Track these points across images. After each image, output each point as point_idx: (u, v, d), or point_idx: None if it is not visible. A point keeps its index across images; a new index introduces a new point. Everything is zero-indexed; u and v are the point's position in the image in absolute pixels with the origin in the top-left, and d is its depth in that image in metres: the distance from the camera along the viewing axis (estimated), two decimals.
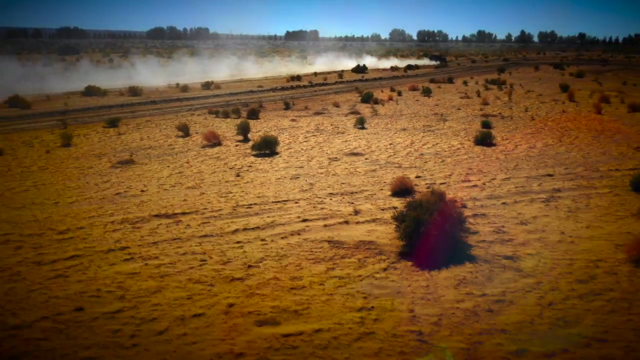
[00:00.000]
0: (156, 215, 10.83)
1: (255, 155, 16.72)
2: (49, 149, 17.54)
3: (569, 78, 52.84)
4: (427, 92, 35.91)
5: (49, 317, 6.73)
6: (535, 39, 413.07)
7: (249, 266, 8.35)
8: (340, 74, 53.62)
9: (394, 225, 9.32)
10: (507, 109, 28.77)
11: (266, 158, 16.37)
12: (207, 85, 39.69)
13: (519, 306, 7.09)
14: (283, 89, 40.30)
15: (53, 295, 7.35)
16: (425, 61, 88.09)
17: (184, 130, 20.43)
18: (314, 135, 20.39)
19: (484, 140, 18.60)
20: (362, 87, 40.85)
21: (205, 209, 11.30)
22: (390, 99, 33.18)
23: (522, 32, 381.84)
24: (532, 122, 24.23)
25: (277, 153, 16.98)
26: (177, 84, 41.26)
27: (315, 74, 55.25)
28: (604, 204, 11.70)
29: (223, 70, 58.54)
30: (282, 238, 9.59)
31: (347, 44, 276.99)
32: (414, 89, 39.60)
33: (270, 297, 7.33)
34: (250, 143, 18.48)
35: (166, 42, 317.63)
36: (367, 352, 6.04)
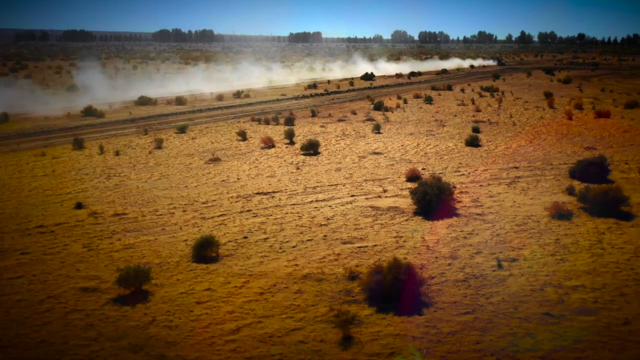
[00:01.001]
0: (257, 193, 16.94)
1: (303, 154, 22.80)
2: (150, 150, 23.64)
3: (556, 84, 58.91)
4: (429, 100, 41.95)
5: (234, 241, 12.82)
6: (535, 38, 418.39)
7: (327, 219, 14.46)
8: (352, 81, 59.58)
9: (410, 197, 15.43)
10: (496, 115, 34.84)
11: (312, 156, 22.45)
12: (238, 94, 45.73)
13: (480, 236, 13.19)
14: (304, 97, 46.34)
15: (226, 231, 13.45)
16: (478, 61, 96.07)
17: (242, 136, 26.52)
18: (342, 139, 26.50)
19: (473, 142, 24.68)
20: (373, 95, 46.96)
21: (285, 189, 17.40)
22: (398, 106, 39.25)
23: (522, 32, 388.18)
24: (513, 127, 30.30)
25: (319, 153, 23.06)
26: (211, 93, 47.36)
27: (329, 81, 61.19)
28: (546, 185, 17.80)
29: (256, 77, 64.18)
30: (341, 205, 15.70)
31: (350, 45, 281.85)
32: (417, 96, 45.63)
33: (345, 232, 13.43)
34: (297, 145, 24.58)
35: (172, 45, 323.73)
36: (401, 254, 12.12)
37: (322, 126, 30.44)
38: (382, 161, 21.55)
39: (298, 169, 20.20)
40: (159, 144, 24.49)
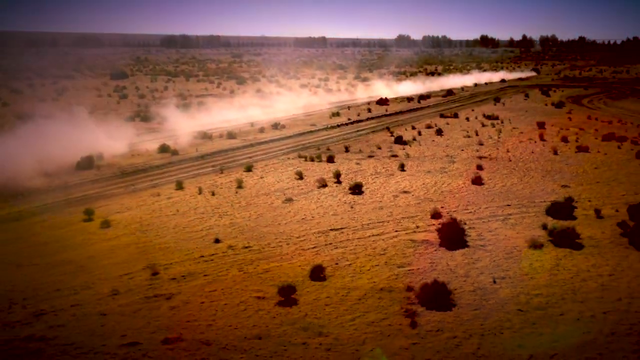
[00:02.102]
0: (331, 229, 24.81)
1: (351, 194, 30.69)
2: (236, 190, 31.55)
3: (550, 109, 66.81)
4: (439, 133, 49.80)
5: (330, 266, 20.71)
6: (536, 38, 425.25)
7: (384, 249, 22.31)
8: (369, 108, 67.46)
9: (437, 233, 23.32)
10: (495, 150, 42.70)
11: (359, 195, 30.35)
12: (275, 126, 53.64)
13: (483, 262, 21.04)
14: (332, 127, 54.26)
15: (322, 259, 21.34)
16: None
17: (299, 175, 34.43)
18: (377, 177, 34.42)
19: (476, 181, 32.55)
20: (390, 124, 54.87)
21: (348, 226, 25.27)
22: (414, 138, 47.12)
23: (524, 36, 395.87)
24: (509, 163, 38.18)
25: (363, 192, 30.97)
26: (251, 124, 55.31)
27: (349, 107, 69.09)
28: (529, 222, 25.66)
29: (283, 102, 71.69)
30: (390, 239, 23.57)
31: (356, 51, 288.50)
32: (429, 126, 53.47)
33: (398, 259, 21.28)
34: (344, 184, 32.45)
35: (182, 52, 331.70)
36: (435, 274, 19.96)
37: (357, 163, 38.35)
38: (411, 200, 29.45)
39: (352, 207, 28.10)
40: (239, 184, 32.38)
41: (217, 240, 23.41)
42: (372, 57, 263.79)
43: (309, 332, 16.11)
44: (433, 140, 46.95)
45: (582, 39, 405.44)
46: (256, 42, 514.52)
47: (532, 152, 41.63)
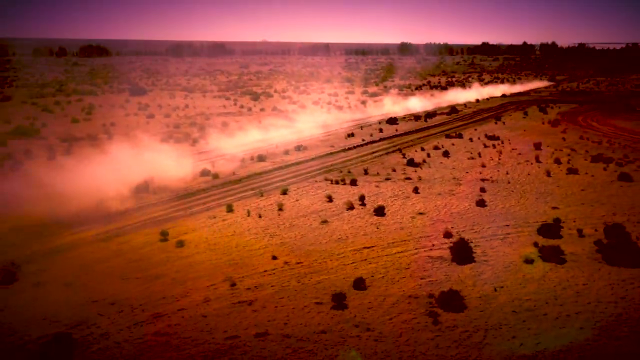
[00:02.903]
0: (364, 247, 30.80)
1: (375, 215, 36.65)
2: (279, 213, 37.53)
3: (546, 128, 72.77)
4: (446, 154, 55.80)
5: (368, 277, 26.71)
6: (536, 41, 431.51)
7: (408, 264, 28.31)
8: (380, 128, 73.53)
9: (449, 250, 29.30)
10: (496, 171, 48.67)
11: (382, 217, 36.32)
12: (299, 148, 59.66)
13: (487, 274, 27.03)
14: (349, 148, 60.25)
15: (362, 272, 27.34)
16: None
17: (329, 198, 40.44)
18: (395, 199, 40.40)
19: (480, 203, 38.51)
20: (401, 145, 60.91)
21: (377, 244, 31.23)
22: (424, 160, 53.13)
23: (525, 43, 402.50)
24: (508, 185, 44.14)
25: (385, 214, 36.94)
26: (276, 146, 61.37)
27: (362, 127, 75.22)
28: (523, 240, 31.61)
29: (302, 122, 77.72)
30: (412, 255, 29.57)
31: (359, 61, 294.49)
32: (436, 147, 59.50)
33: (419, 273, 27.26)
34: (368, 206, 38.40)
35: (189, 62, 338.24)
36: (450, 285, 25.94)
37: (376, 186, 44.34)
38: (426, 221, 35.44)
39: (378, 228, 34.09)
40: (280, 207, 38.39)
41: (274, 257, 29.41)
42: (375, 66, 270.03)
43: (360, 328, 22.09)
44: (441, 162, 52.94)
45: (581, 45, 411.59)
46: (259, 50, 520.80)
47: (529, 174, 47.59)
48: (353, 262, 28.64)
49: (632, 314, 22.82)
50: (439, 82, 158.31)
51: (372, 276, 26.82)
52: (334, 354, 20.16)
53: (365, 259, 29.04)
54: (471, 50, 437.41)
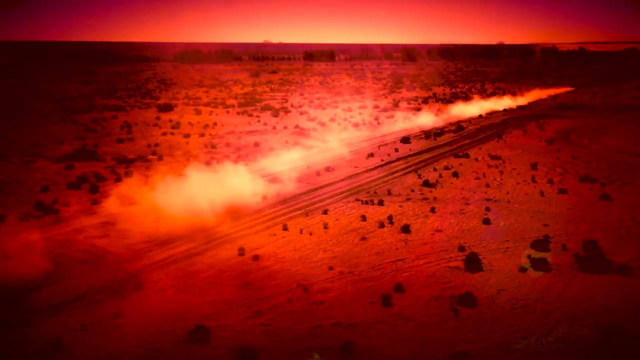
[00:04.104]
0: (398, 260, 40.32)
1: (402, 232, 46.09)
2: (325, 230, 46.94)
3: (543, 146, 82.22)
4: (455, 175, 65.25)
5: None
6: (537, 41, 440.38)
7: (433, 272, 37.83)
8: (396, 148, 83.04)
9: (462, 262, 38.80)
10: (498, 191, 58.12)
11: (408, 234, 45.75)
12: (327, 169, 69.11)
13: (492, 280, 36.56)
14: (370, 169, 69.70)
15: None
16: None
17: (363, 217, 49.86)
18: (417, 218, 49.85)
19: (486, 222, 47.96)
20: (416, 165, 70.40)
21: (411, 255, 40.72)
22: (437, 181, 62.61)
23: (526, 48, 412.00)
24: (508, 204, 53.58)
25: (410, 231, 46.38)
26: (307, 167, 70.79)
27: (379, 146, 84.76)
28: (519, 253, 41.09)
29: (329, 140, 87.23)
30: (436, 266, 39.07)
31: (363, 69, 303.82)
32: (446, 167, 68.98)
33: (445, 279, 36.78)
34: (395, 224, 47.86)
35: (197, 69, 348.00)
36: (466, 288, 35.44)
37: (400, 206, 53.80)
38: (443, 237, 44.89)
39: (406, 243, 43.55)
40: (325, 226, 47.85)
41: (330, 268, 38.92)
42: (381, 73, 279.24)
43: (404, 319, 31.57)
44: (451, 183, 62.38)
45: (582, 49, 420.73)
46: (263, 52, 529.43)
47: (526, 194, 57.02)
48: (391, 272, 38.11)
49: (597, 309, 32.22)
50: (444, 94, 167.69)
51: (407, 282, 36.29)
52: (387, 337, 29.67)
53: (400, 269, 38.52)
54: (473, 54, 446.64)
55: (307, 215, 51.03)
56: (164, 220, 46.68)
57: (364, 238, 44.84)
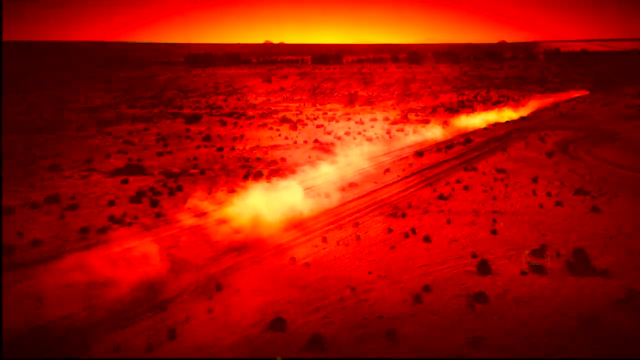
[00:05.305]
0: (423, 265, 49.76)
1: (424, 241, 55.45)
2: (358, 242, 56.41)
3: (543, 159, 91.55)
4: (466, 188, 74.58)
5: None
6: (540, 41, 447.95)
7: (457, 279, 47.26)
8: (410, 162, 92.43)
9: (475, 267, 48.21)
10: (503, 204, 67.45)
11: (429, 243, 55.12)
12: (352, 185, 78.51)
13: (498, 280, 45.98)
14: (389, 184, 79.13)
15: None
16: None
17: (389, 229, 59.27)
18: (435, 229, 59.22)
19: (494, 232, 57.32)
20: (430, 179, 79.81)
21: (433, 261, 50.15)
22: (450, 194, 71.98)
23: (528, 52, 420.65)
24: (512, 216, 62.92)
25: (431, 241, 55.76)
26: (333, 183, 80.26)
27: (394, 161, 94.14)
28: (521, 259, 50.50)
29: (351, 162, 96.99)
30: (453, 270, 48.50)
31: (366, 75, 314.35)
32: (458, 181, 78.33)
33: (461, 283, 46.20)
34: (417, 235, 57.24)
35: (206, 71, 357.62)
36: (480, 289, 44.83)
37: (419, 219, 63.13)
38: (459, 246, 54.23)
39: (428, 251, 52.93)
40: (358, 237, 57.22)
41: (370, 272, 48.34)
42: (389, 78, 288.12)
43: (432, 313, 40.95)
44: (463, 196, 71.74)
45: (584, 51, 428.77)
46: (271, 57, 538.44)
47: (527, 206, 66.34)
48: (418, 275, 47.54)
49: (581, 304, 41.58)
50: (451, 103, 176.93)
51: (432, 284, 45.73)
52: (420, 326, 39.13)
53: (425, 273, 47.94)
54: (476, 56, 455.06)
55: (340, 229, 60.44)
56: (225, 230, 56.34)
57: (392, 247, 54.25)
